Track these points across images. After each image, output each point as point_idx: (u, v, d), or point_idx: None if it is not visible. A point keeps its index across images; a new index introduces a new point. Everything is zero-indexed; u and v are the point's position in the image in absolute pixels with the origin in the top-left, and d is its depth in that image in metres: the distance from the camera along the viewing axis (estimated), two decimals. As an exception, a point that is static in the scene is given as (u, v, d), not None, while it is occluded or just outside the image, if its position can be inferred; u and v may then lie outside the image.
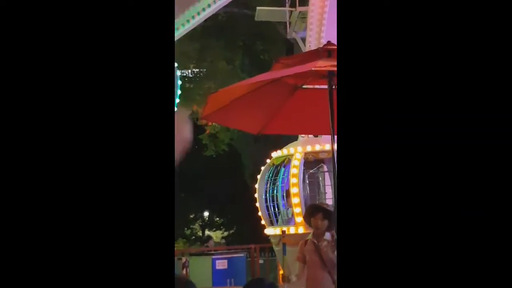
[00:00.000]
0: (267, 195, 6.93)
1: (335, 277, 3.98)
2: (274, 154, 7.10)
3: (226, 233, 24.06)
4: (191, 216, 23.91)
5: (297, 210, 6.58)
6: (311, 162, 6.94)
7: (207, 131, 16.34)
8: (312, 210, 4.45)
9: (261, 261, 11.42)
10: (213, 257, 8.64)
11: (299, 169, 6.63)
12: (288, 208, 6.84)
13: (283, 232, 6.42)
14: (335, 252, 4.03)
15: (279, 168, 6.89)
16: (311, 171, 6.96)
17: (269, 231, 6.96)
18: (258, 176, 7.12)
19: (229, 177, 20.06)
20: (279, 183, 6.81)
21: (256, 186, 7.13)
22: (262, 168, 7.17)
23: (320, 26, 9.31)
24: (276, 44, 15.06)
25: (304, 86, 4.78)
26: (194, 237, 24.08)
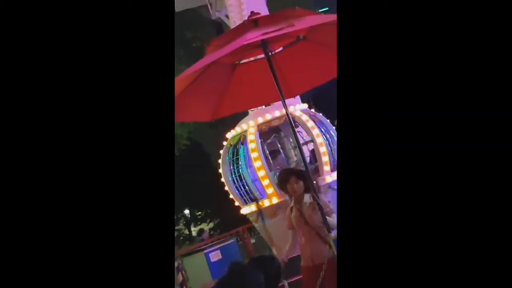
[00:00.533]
0: (233, 176, 6.92)
1: (326, 236, 3.99)
2: (229, 135, 7.11)
3: (212, 224, 24.08)
4: (176, 216, 23.83)
5: (265, 182, 6.60)
6: (266, 132, 6.94)
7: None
8: (284, 176, 4.40)
9: (253, 241, 11.48)
10: (205, 251, 8.64)
11: (256, 142, 6.64)
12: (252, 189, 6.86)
13: (258, 205, 6.42)
14: (318, 213, 4.02)
15: (237, 147, 6.88)
16: (268, 141, 6.97)
17: (244, 210, 6.99)
18: (219, 161, 7.11)
19: (199, 169, 19.99)
20: (241, 161, 6.81)
21: (220, 170, 7.12)
22: (221, 151, 7.17)
23: (238, 0, 9.29)
24: (205, 28, 14.94)
25: (242, 61, 4.79)
26: (182, 237, 24.04)
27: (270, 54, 4.28)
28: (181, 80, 4.22)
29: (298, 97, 7.88)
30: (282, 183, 4.39)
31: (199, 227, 22.76)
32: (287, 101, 4.25)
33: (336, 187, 6.61)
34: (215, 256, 8.41)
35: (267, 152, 6.84)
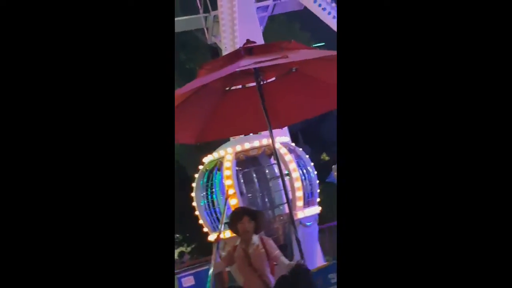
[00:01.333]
0: (205, 201, 6.87)
1: (268, 281, 3.87)
2: (206, 159, 7.08)
3: (189, 248, 23.83)
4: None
5: None
6: (243, 161, 6.91)
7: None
8: (237, 215, 4.22)
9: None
10: (179, 275, 8.53)
11: (232, 170, 6.62)
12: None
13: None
14: (265, 258, 3.93)
15: (213, 172, 6.85)
16: (245, 170, 6.93)
17: (212, 237, 6.93)
18: (193, 184, 7.05)
19: (181, 192, 19.86)
20: (215, 188, 6.76)
21: (193, 194, 7.05)
22: (196, 175, 7.12)
23: (232, 26, 9.37)
24: (199, 51, 15.01)
25: (233, 88, 4.78)
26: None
27: (261, 83, 4.28)
28: (169, 101, 4.20)
29: (286, 129, 7.89)
30: (233, 221, 4.19)
31: (178, 249, 22.52)
32: (274, 131, 4.23)
33: (309, 223, 6.60)
34: (188, 281, 8.29)
35: (242, 180, 6.81)
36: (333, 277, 3.71)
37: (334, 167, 6.95)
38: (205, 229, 7.02)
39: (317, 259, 7.44)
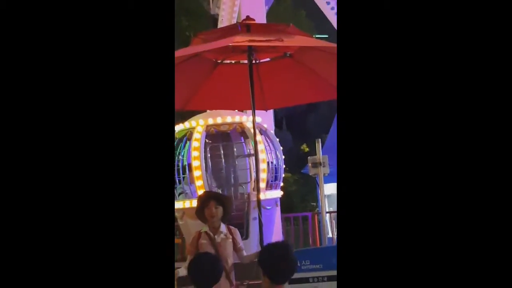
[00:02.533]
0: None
1: (231, 271, 3.80)
2: (177, 128, 7.07)
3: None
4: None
5: (199, 183, 6.58)
6: (213, 135, 6.92)
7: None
8: (204, 200, 4.06)
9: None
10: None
11: (200, 142, 6.62)
12: (185, 182, 6.81)
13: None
14: (231, 248, 3.86)
15: (182, 141, 6.84)
16: (213, 144, 6.93)
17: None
18: None
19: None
20: (183, 156, 6.76)
21: None
22: None
23: (233, 0, 9.29)
24: (201, 20, 14.88)
25: (225, 62, 4.77)
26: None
27: (254, 62, 4.28)
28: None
29: (271, 112, 7.91)
30: (200, 206, 4.04)
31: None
32: (257, 112, 4.23)
33: (269, 207, 6.66)
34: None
35: (208, 154, 6.81)
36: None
37: (310, 158, 6.96)
38: None
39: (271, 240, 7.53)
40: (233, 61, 4.80)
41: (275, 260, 2.53)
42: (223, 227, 3.98)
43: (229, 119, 6.74)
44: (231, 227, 4.01)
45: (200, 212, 4.03)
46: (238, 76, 4.60)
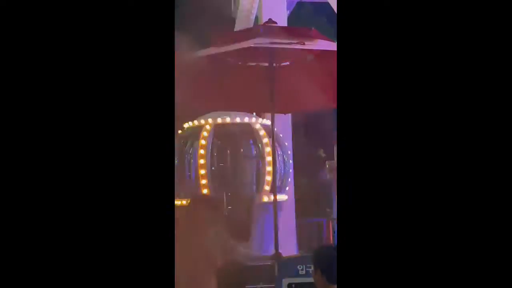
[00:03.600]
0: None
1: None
2: (186, 125, 7.08)
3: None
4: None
5: (203, 181, 6.58)
6: (221, 135, 6.90)
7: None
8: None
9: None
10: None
11: (207, 140, 6.61)
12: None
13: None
14: None
15: (187, 139, 6.85)
16: (220, 144, 6.92)
17: (177, 202, 6.95)
18: None
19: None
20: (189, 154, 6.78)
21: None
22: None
23: (251, 3, 9.27)
24: (222, 21, 14.92)
25: (245, 64, 4.76)
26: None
27: (274, 64, 4.26)
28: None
29: (289, 116, 7.86)
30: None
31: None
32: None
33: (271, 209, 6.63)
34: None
35: (215, 153, 6.80)
36: (301, 268, 3.77)
37: (328, 162, 6.93)
38: None
39: (272, 246, 7.50)
40: (253, 63, 4.78)
41: (332, 260, 2.61)
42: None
43: (238, 120, 6.72)
44: None
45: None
46: (258, 79, 4.58)
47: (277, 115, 4.17)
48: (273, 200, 4.09)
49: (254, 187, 6.80)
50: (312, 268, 2.84)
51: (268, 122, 7.15)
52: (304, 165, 7.68)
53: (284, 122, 7.73)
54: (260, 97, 4.68)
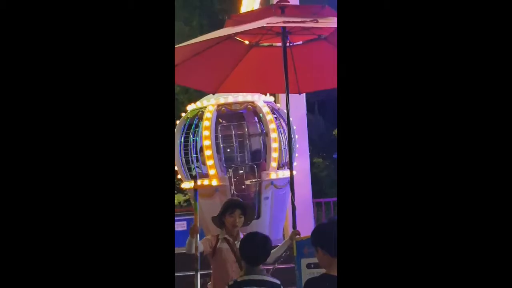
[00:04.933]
0: (181, 149, 6.86)
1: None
2: (189, 107, 7.06)
3: (187, 196, 24.13)
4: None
5: (210, 162, 6.58)
6: (225, 114, 6.88)
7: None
8: (228, 207, 3.94)
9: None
10: (171, 219, 8.68)
11: (211, 121, 6.60)
12: (198, 163, 6.82)
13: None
14: None
15: (194, 121, 6.84)
16: (224, 124, 6.89)
17: (185, 185, 6.97)
18: (174, 130, 7.04)
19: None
20: (193, 136, 6.77)
21: None
22: (177, 122, 7.08)
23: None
24: (234, 3, 14.81)
25: (258, 44, 4.73)
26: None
27: (288, 44, 4.23)
28: (192, 45, 4.17)
29: (303, 96, 7.83)
30: (222, 213, 3.92)
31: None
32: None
33: (281, 186, 6.63)
34: (180, 226, 8.42)
35: (220, 134, 6.80)
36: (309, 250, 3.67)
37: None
38: (179, 176, 7.04)
39: (283, 224, 7.55)
40: (266, 44, 4.75)
41: (330, 234, 2.60)
42: (241, 234, 3.83)
43: (240, 98, 6.71)
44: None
45: (221, 217, 3.92)
46: (271, 59, 4.56)
47: (291, 95, 4.14)
48: (290, 177, 4.08)
49: (261, 164, 6.81)
50: (314, 250, 2.77)
51: (271, 99, 7.14)
52: (320, 146, 7.66)
53: (300, 103, 7.71)
54: (273, 78, 4.66)
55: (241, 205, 4.07)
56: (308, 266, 3.60)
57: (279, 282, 3.17)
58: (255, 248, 3.19)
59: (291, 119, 6.67)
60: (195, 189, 3.95)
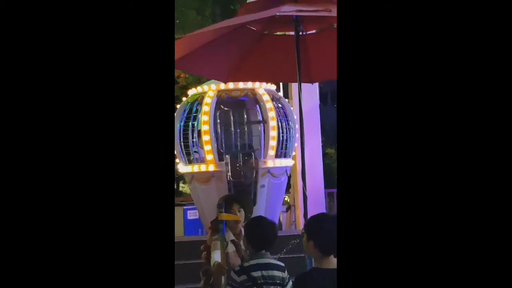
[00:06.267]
0: (181, 133, 6.86)
1: None
2: (190, 92, 7.07)
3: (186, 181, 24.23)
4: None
5: (207, 147, 6.58)
6: (224, 100, 6.85)
7: (179, 84, 16.12)
8: (227, 203, 3.74)
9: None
10: (185, 207, 8.72)
11: (211, 106, 6.59)
12: (196, 148, 6.82)
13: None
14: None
15: (192, 106, 6.83)
16: (224, 109, 6.87)
17: (182, 169, 6.98)
18: (175, 114, 7.06)
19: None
20: (192, 121, 6.76)
21: None
22: (178, 106, 7.10)
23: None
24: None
25: (271, 33, 4.71)
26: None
27: (300, 33, 4.20)
28: (204, 33, 4.16)
29: (316, 85, 7.80)
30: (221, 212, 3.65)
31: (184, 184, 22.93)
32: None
33: (277, 174, 6.60)
34: (193, 215, 8.45)
35: (218, 120, 6.79)
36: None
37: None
38: (177, 160, 7.06)
39: (279, 213, 7.54)
40: (279, 33, 4.73)
41: (326, 231, 2.54)
42: (242, 231, 3.63)
43: (241, 85, 6.70)
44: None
45: (216, 221, 3.66)
46: (284, 48, 4.54)
47: (303, 85, 4.12)
48: (302, 168, 4.07)
49: (261, 152, 6.81)
50: (304, 239, 2.67)
51: (273, 87, 7.12)
52: (333, 136, 7.63)
53: (313, 92, 7.69)
54: (285, 67, 4.64)
55: (237, 198, 4.00)
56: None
57: (283, 265, 3.16)
58: (263, 232, 3.16)
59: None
60: (221, 220, 3.59)
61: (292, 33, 4.29)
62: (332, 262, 2.58)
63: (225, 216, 3.62)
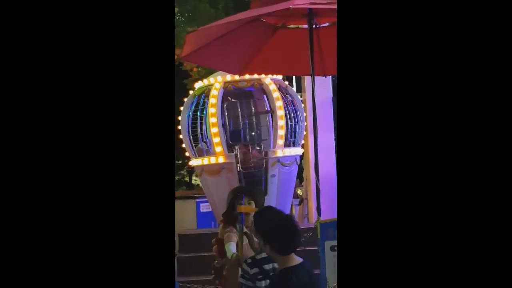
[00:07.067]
0: (189, 126, 6.88)
1: None
2: (197, 85, 7.06)
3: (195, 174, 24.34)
4: (179, 162, 24.15)
5: (216, 140, 6.58)
6: (231, 92, 6.84)
7: (192, 76, 16.15)
8: (234, 197, 3.77)
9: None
10: (198, 200, 8.75)
11: (218, 98, 6.59)
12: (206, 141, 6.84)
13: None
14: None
15: (200, 98, 6.84)
16: (231, 101, 6.86)
17: (192, 162, 7.00)
18: (181, 108, 7.03)
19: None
20: (200, 113, 6.77)
21: (179, 118, 7.01)
22: (185, 99, 7.10)
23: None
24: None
25: (290, 26, 4.69)
26: (181, 182, 24.32)
27: (314, 26, 4.18)
28: (217, 26, 4.16)
29: (329, 79, 7.76)
30: (232, 205, 3.72)
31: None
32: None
33: (288, 163, 6.61)
34: (205, 207, 8.48)
35: (226, 112, 6.79)
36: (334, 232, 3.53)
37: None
38: (187, 154, 7.07)
39: (290, 202, 7.52)
40: (292, 26, 4.71)
41: (279, 233, 2.54)
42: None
43: (247, 76, 6.70)
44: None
45: (231, 212, 3.73)
46: (297, 41, 4.52)
47: (316, 78, 4.11)
48: (315, 160, 4.06)
49: (270, 142, 6.82)
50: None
51: (279, 77, 7.10)
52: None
53: (326, 85, 7.66)
54: (299, 60, 4.62)
55: (246, 190, 4.00)
56: (332, 248, 3.58)
57: None
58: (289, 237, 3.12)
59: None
60: (239, 212, 3.63)
61: (306, 26, 4.28)
62: (295, 259, 2.59)
63: (243, 208, 3.63)
